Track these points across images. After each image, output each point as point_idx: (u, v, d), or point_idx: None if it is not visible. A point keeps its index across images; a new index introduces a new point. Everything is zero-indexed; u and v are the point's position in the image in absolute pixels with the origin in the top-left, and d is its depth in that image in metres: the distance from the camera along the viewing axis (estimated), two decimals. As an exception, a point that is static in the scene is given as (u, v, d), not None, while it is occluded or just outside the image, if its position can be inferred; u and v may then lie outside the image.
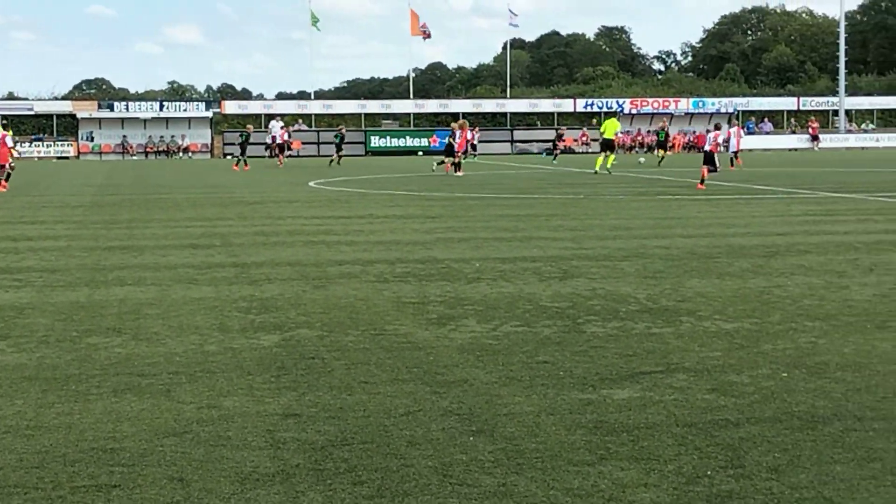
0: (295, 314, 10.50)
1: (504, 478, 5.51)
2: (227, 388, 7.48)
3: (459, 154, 44.21)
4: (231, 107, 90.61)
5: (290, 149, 57.93)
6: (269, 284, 12.59)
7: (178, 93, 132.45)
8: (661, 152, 56.32)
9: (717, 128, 37.34)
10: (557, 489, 5.33)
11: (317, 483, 5.44)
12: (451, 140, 44.83)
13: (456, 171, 43.21)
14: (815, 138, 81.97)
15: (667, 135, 57.84)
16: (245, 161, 52.28)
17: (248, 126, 59.41)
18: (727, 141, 50.32)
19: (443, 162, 45.66)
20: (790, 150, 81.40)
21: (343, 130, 62.58)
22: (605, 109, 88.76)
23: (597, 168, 44.33)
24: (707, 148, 34.14)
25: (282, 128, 60.24)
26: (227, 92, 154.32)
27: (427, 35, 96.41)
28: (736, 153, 50.25)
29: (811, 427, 6.39)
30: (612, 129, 45.90)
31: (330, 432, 6.35)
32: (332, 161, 57.30)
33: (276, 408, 6.92)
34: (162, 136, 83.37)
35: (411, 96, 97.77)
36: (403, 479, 5.51)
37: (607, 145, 45.47)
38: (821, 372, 7.84)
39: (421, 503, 5.15)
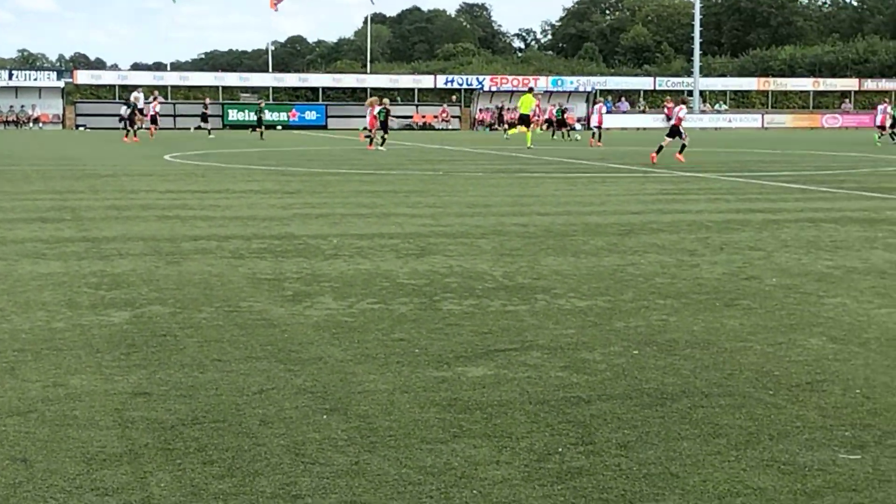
0: (147, 290, 10.31)
1: (357, 456, 5.49)
2: (75, 366, 7.31)
3: (373, 131, 44.57)
4: (84, 77, 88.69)
5: (155, 122, 57.07)
6: (120, 260, 12.35)
7: (28, 61, 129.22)
8: (559, 129, 57.00)
9: (684, 101, 37.39)
10: (410, 467, 5.33)
11: (166, 463, 5.35)
12: (384, 118, 45.08)
13: (371, 146, 43.79)
14: (670, 118, 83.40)
15: (563, 112, 58.47)
16: (134, 132, 51.37)
17: (135, 95, 57.99)
18: (587, 118, 51.31)
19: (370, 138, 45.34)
20: (646, 129, 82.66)
21: (207, 102, 62.62)
22: (465, 86, 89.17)
23: (529, 144, 45.45)
24: (672, 122, 34.36)
25: (154, 99, 59.38)
26: (80, 62, 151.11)
27: (275, 6, 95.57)
28: (599, 129, 51.59)
29: (660, 404, 6.49)
30: (527, 104, 47.92)
31: (180, 411, 6.25)
32: (208, 132, 58.31)
33: (126, 386, 6.79)
34: (11, 106, 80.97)
35: (270, 70, 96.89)
36: (255, 458, 5.45)
37: (523, 120, 47.24)
38: (671, 349, 7.98)
39: (272, 482, 5.10)
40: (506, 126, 63.83)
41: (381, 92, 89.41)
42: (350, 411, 6.29)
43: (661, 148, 33.37)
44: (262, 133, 59.42)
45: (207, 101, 64.77)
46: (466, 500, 4.91)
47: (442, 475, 5.22)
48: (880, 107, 56.01)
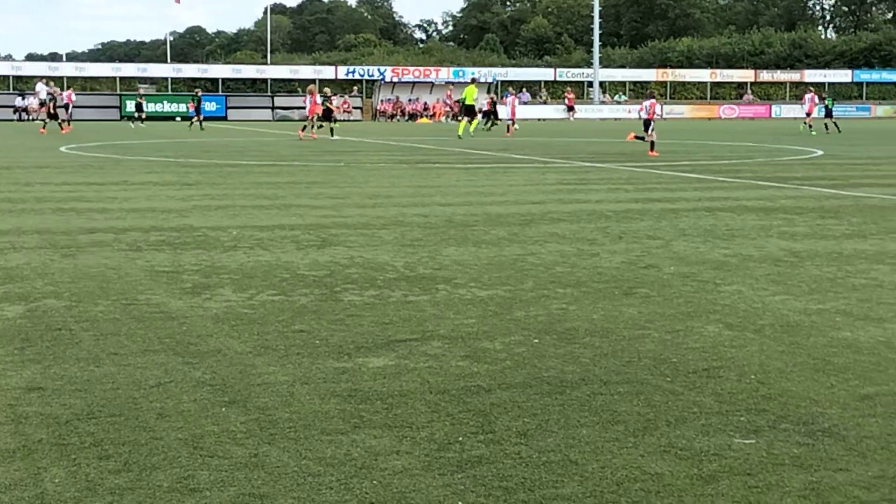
0: (42, 284, 10.14)
1: (256, 448, 5.45)
2: (-33, 361, 7.17)
3: (311, 118, 45.63)
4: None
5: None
6: (14, 253, 12.12)
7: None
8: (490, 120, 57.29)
9: (651, 95, 37.71)
10: (310, 458, 5.30)
11: (60, 458, 5.26)
12: (328, 105, 46.01)
13: (313, 134, 45.10)
14: (570, 109, 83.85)
15: (494, 103, 58.75)
16: (60, 124, 50.38)
17: (52, 86, 56.68)
18: (492, 109, 51.95)
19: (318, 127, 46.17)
20: (546, 119, 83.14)
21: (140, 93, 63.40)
22: (366, 77, 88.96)
23: (459, 133, 46.50)
24: (644, 115, 34.40)
25: (69, 88, 59.21)
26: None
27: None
28: (512, 121, 52.46)
29: (560, 392, 6.54)
30: (471, 94, 48.98)
31: (76, 406, 6.15)
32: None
33: (19, 381, 6.66)
34: None
35: (169, 60, 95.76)
36: (152, 451, 5.39)
37: (468, 111, 48.82)
38: (570, 338, 8.04)
39: (169, 476, 5.04)
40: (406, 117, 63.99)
41: (281, 83, 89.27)
42: (249, 403, 6.24)
43: (652, 144, 33.70)
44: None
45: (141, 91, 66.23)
46: (367, 490, 4.90)
47: (342, 466, 5.21)
48: (807, 96, 56.72)
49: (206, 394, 6.44)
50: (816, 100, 57.03)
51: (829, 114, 55.31)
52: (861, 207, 17.59)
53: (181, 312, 8.88)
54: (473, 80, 56.61)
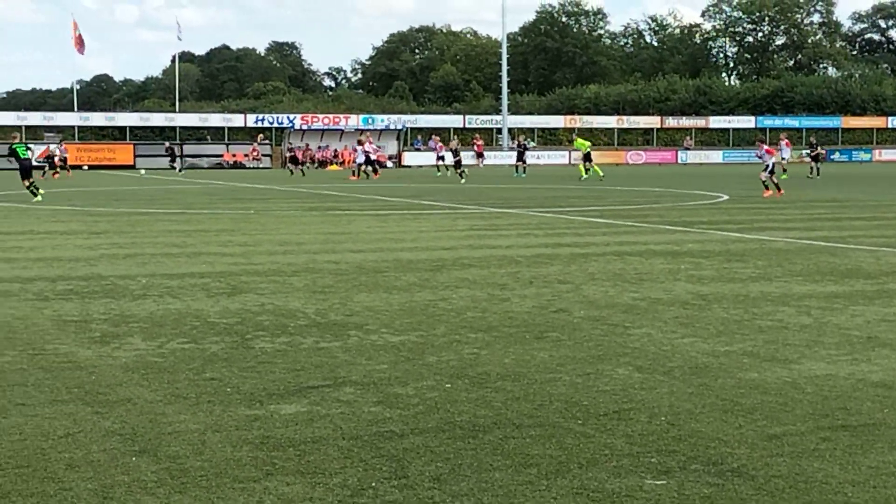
0: (-54, 335, 9.97)
1: (167, 497, 5.40)
2: None
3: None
4: None
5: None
6: (-82, 304, 11.90)
7: None
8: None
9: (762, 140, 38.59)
10: (222, 507, 5.26)
11: (-34, 512, 5.18)
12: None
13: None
14: (479, 155, 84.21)
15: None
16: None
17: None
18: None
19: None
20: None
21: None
22: (275, 125, 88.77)
23: (601, 174, 52.75)
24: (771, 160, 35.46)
25: (62, 141, 60.51)
26: None
27: (81, 49, 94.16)
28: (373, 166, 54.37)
29: (472, 436, 6.56)
30: (583, 145, 55.41)
31: (-18, 458, 6.04)
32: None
33: (-76, 434, 6.54)
34: None
35: (76, 109, 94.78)
36: (60, 502, 5.31)
37: (586, 157, 54.22)
38: (482, 382, 8.07)
39: (79, 528, 4.98)
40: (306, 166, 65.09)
41: (190, 131, 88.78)
42: (160, 452, 6.18)
43: (766, 186, 35.10)
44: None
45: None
46: (280, 537, 4.87)
47: (255, 514, 5.17)
48: (782, 143, 56.79)
49: (116, 443, 6.37)
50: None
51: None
52: (766, 251, 17.89)
53: (90, 362, 8.78)
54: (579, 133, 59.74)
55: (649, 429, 6.75)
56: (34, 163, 40.86)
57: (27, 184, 35.13)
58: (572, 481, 5.69)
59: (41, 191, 35.12)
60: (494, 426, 6.80)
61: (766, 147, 36.17)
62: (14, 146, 37.50)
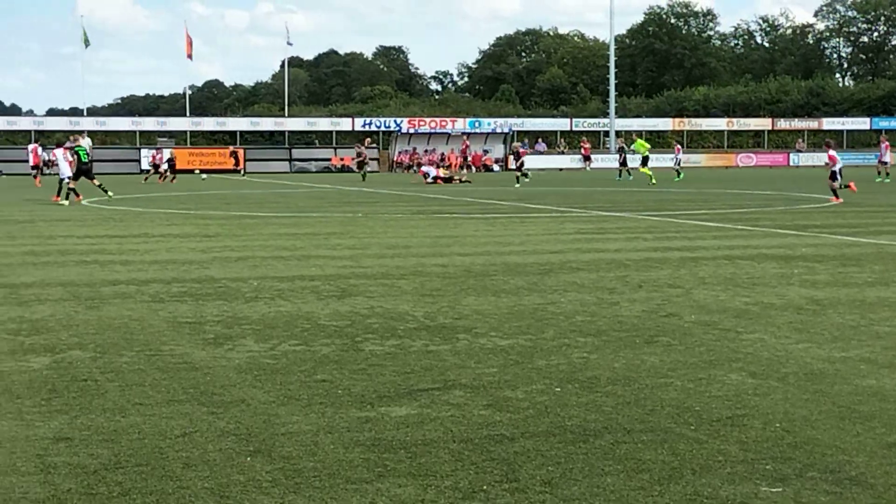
0: (67, 335, 10.20)
1: (282, 497, 5.47)
2: (-6, 412, 7.21)
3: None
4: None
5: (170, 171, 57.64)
6: (39, 305, 12.20)
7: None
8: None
9: (829, 146, 37.77)
10: (336, 508, 5.32)
11: (88, 509, 5.29)
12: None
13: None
14: (587, 158, 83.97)
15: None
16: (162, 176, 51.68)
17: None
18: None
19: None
20: (564, 169, 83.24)
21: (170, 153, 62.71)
22: (382, 128, 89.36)
23: (653, 180, 51.14)
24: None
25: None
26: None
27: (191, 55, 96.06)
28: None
29: (583, 440, 6.54)
30: (643, 147, 55.46)
31: (103, 455, 6.18)
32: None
33: (47, 431, 6.71)
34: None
35: (188, 114, 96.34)
36: (179, 501, 5.41)
37: (644, 161, 54.27)
38: (592, 386, 8.04)
39: (197, 526, 5.06)
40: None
41: (298, 135, 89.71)
42: (274, 453, 6.26)
43: (843, 185, 34.77)
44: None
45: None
46: (393, 539, 4.91)
47: (368, 515, 5.21)
48: (882, 146, 55.81)
49: (231, 443, 6.46)
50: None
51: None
52: (882, 255, 17.56)
53: (204, 363, 8.93)
54: (640, 134, 59.20)
55: (764, 435, 6.67)
56: (146, 166, 41.50)
57: (97, 183, 37.36)
58: (685, 487, 5.65)
59: (110, 192, 37.06)
60: (605, 431, 6.77)
61: (830, 152, 35.35)
62: (77, 149, 38.57)
